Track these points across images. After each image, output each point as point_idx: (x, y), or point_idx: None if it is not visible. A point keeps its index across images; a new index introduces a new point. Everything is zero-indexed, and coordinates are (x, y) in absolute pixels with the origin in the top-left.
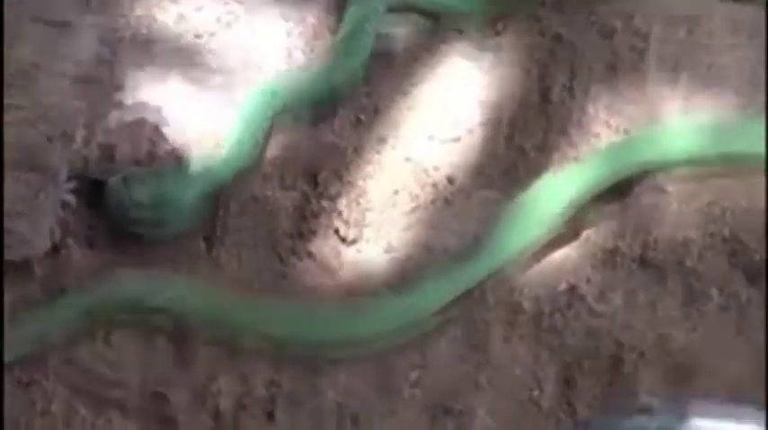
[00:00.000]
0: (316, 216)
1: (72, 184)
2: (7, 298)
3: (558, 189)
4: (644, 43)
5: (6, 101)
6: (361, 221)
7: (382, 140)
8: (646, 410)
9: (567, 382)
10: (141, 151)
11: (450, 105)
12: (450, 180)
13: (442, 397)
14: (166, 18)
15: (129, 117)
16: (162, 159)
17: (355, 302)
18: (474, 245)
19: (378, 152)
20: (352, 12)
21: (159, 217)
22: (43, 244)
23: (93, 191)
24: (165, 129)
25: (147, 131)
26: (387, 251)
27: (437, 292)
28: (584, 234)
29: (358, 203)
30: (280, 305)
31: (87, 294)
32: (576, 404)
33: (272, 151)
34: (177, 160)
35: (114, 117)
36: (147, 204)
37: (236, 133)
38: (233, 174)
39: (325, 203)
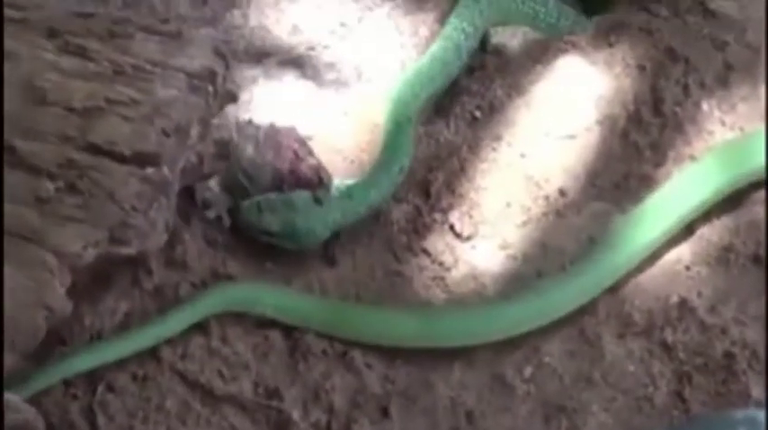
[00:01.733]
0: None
1: (212, 213)
2: (122, 301)
3: (672, 201)
4: (756, 56)
5: (123, 95)
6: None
7: (498, 138)
8: (757, 404)
9: (681, 379)
10: (285, 164)
11: (566, 103)
12: (562, 192)
13: (556, 393)
14: (280, 30)
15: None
16: (303, 176)
17: (468, 309)
18: (590, 255)
19: (493, 149)
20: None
21: (287, 244)
22: (160, 238)
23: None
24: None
25: (293, 144)
26: (502, 248)
27: (550, 302)
28: (699, 231)
29: (471, 217)
30: (391, 313)
31: (199, 303)
32: (689, 401)
33: None
34: (317, 182)
35: (229, 114)
36: (276, 233)
37: (382, 160)
38: (374, 205)
39: (437, 216)
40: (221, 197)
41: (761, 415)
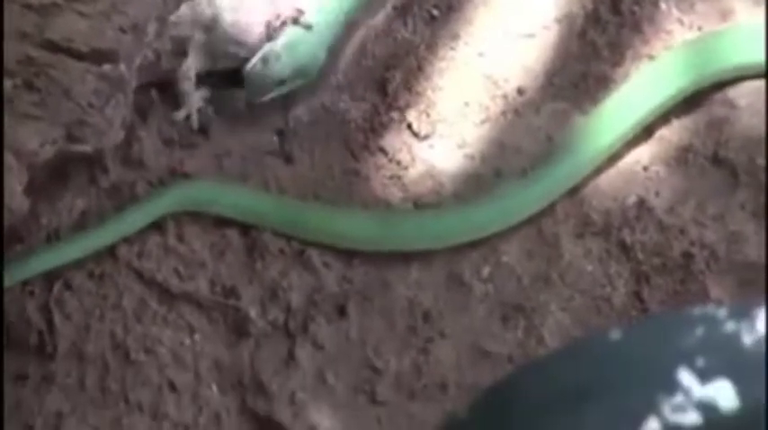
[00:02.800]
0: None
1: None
2: (79, 199)
3: (632, 102)
4: None
5: None
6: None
7: (456, 37)
8: (716, 303)
9: (639, 279)
10: (266, 12)
11: (524, 1)
12: (521, 91)
13: (513, 293)
14: None
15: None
16: (286, 15)
17: (428, 211)
18: (550, 159)
19: (452, 48)
20: None
21: (302, 82)
22: (116, 136)
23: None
24: None
25: None
26: (459, 146)
27: (510, 206)
28: (657, 132)
29: (428, 115)
30: (350, 215)
31: (156, 202)
32: (647, 301)
33: (345, 52)
34: (299, 14)
35: (185, 11)
36: (290, 76)
37: None
38: (350, 15)
39: (394, 115)
40: (196, 93)
41: (720, 312)
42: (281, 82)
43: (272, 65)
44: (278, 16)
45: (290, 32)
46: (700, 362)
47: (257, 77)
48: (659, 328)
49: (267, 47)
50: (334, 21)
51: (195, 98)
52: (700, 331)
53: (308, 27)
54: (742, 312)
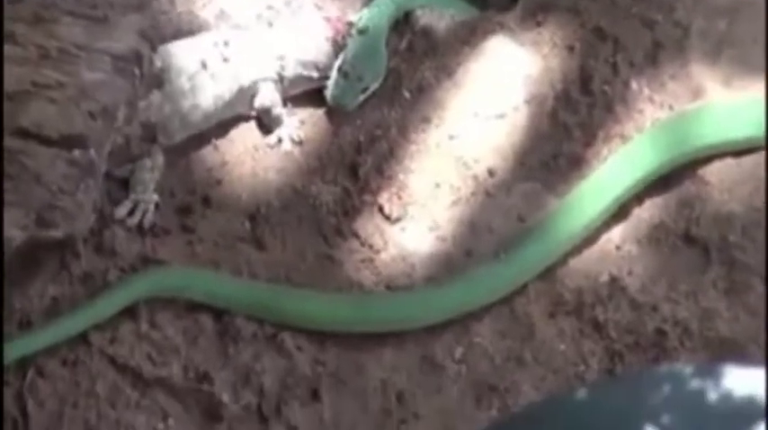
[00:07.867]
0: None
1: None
2: (50, 286)
3: (606, 184)
4: (685, 34)
5: (49, 79)
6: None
7: (427, 119)
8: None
9: (612, 357)
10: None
11: (495, 83)
12: (491, 172)
13: (486, 373)
14: (207, 14)
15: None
16: (342, 31)
17: (399, 294)
18: (521, 241)
19: (423, 131)
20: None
21: (377, 84)
22: (87, 220)
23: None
24: None
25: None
26: (431, 229)
27: (483, 287)
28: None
29: (399, 197)
30: (322, 298)
31: (128, 288)
32: None
33: (316, 136)
34: (349, 26)
35: (156, 97)
36: (371, 81)
37: None
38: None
39: (366, 198)
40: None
41: (685, 370)
42: (365, 88)
43: (352, 75)
44: (338, 32)
45: (351, 43)
46: (665, 419)
47: (343, 91)
48: (626, 387)
49: (338, 62)
50: (381, 23)
51: (288, 122)
52: (666, 389)
53: (364, 31)
54: (708, 370)
